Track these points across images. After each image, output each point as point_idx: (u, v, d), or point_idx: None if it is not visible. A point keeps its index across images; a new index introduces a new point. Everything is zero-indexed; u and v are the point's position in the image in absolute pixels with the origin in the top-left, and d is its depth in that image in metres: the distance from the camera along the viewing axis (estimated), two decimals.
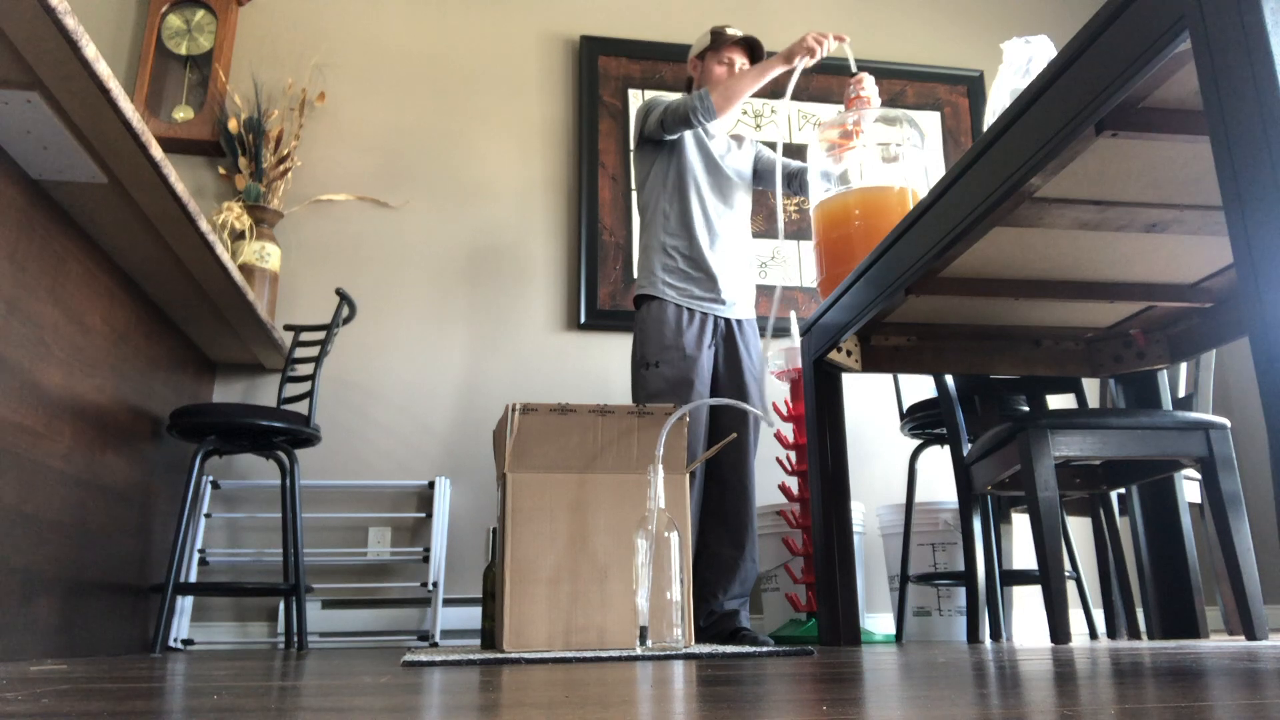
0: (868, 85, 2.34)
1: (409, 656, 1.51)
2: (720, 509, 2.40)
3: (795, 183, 2.71)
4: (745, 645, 1.97)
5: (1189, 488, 2.30)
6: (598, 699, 0.75)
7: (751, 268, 2.63)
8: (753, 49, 2.61)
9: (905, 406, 2.98)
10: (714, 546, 2.38)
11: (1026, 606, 3.22)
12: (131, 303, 2.37)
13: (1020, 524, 3.04)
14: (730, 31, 2.61)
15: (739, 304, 2.53)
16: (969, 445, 2.24)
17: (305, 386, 2.59)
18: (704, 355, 2.43)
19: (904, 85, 3.73)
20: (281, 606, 2.79)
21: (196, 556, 2.78)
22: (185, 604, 2.75)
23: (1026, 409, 2.48)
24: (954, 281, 1.83)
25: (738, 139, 2.72)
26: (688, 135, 2.56)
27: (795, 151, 3.54)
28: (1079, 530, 3.22)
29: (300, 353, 2.65)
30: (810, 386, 2.16)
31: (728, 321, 2.51)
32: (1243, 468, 3.27)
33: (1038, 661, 1.21)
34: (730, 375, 2.48)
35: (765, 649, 1.66)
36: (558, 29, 3.59)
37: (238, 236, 3.00)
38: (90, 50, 1.52)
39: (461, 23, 3.53)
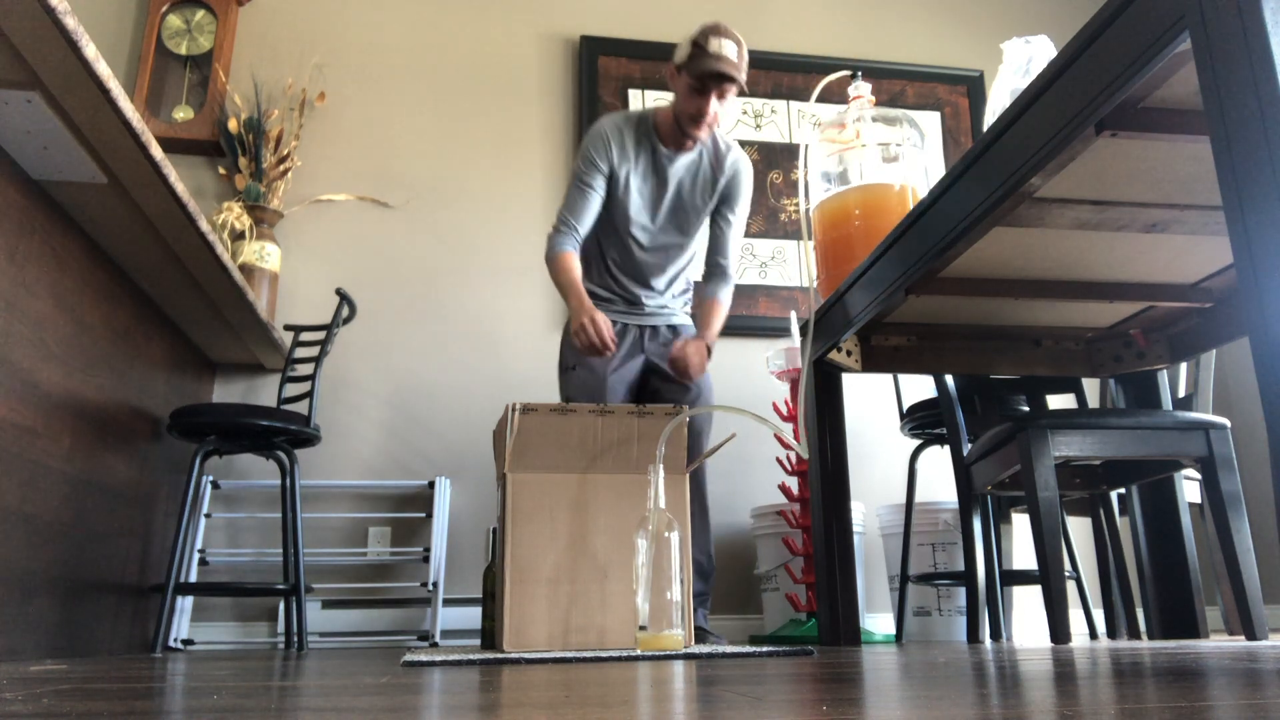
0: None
1: (409, 656, 1.51)
2: None
3: (706, 280, 2.47)
4: (706, 644, 1.96)
5: (1189, 488, 2.30)
6: (598, 699, 0.75)
7: (688, 290, 2.54)
8: (724, 79, 2.19)
9: (905, 406, 2.98)
10: None
11: (1026, 606, 3.22)
12: (131, 303, 2.37)
13: (1020, 524, 3.04)
14: (712, 52, 2.16)
15: (672, 314, 2.48)
16: (969, 445, 2.24)
17: (305, 386, 2.59)
18: (627, 362, 2.36)
19: (904, 85, 3.73)
20: (281, 606, 2.79)
21: (196, 556, 2.78)
22: (185, 604, 2.75)
23: (1026, 409, 2.48)
24: (954, 281, 1.83)
25: (708, 184, 2.40)
26: (633, 187, 2.35)
27: (790, 151, 3.54)
28: (1079, 530, 3.22)
29: (300, 353, 2.65)
30: (810, 386, 2.16)
31: (655, 328, 2.44)
32: (1243, 468, 3.27)
33: (1038, 661, 1.21)
34: (668, 379, 2.38)
35: (765, 649, 1.66)
36: (558, 29, 3.59)
37: (238, 236, 3.00)
38: (90, 50, 1.52)
39: (461, 23, 3.53)
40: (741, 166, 2.42)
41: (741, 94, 2.34)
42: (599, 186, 2.33)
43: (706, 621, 2.34)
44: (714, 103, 2.22)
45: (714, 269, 2.46)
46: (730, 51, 2.18)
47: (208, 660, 1.73)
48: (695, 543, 2.29)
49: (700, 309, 2.43)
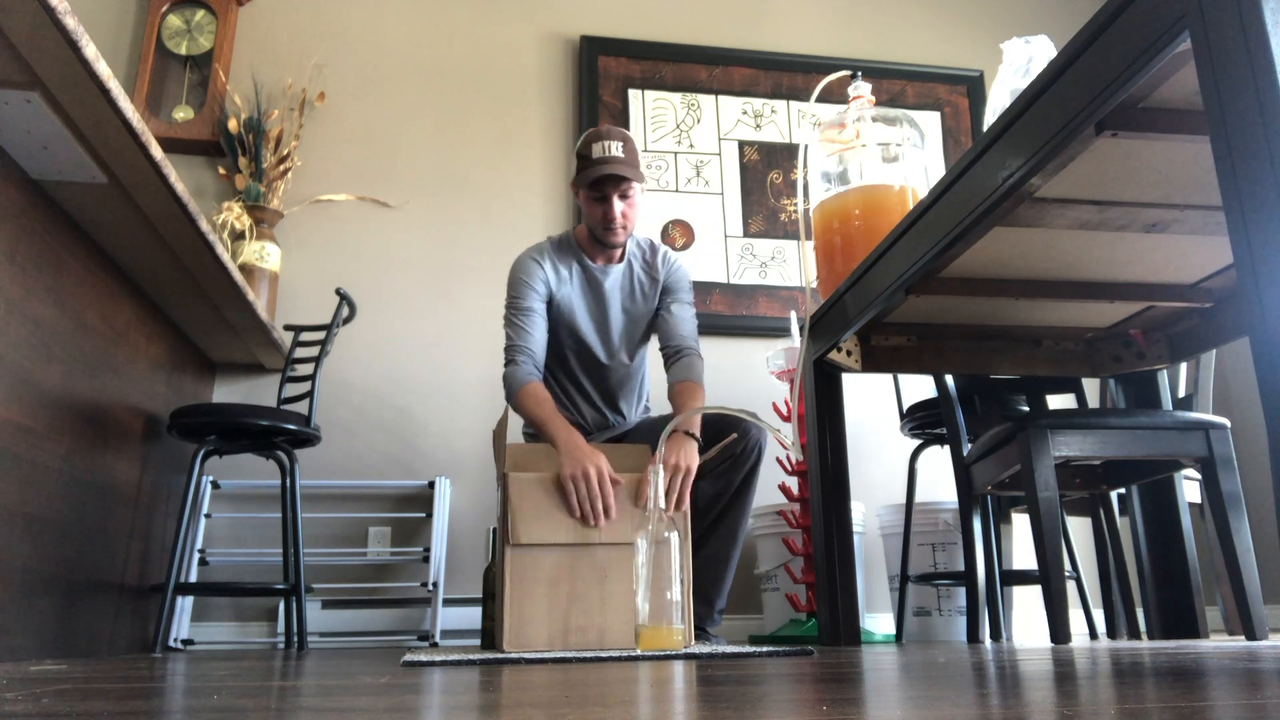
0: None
1: (409, 656, 1.51)
2: None
3: (674, 363, 2.30)
4: None
5: (1189, 488, 2.30)
6: (598, 699, 0.75)
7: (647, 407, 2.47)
8: (613, 180, 2.16)
9: (905, 406, 2.98)
10: None
11: (1026, 606, 3.21)
12: (131, 303, 2.37)
13: (1020, 524, 3.04)
14: (596, 157, 2.16)
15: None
16: (969, 445, 2.24)
17: (305, 386, 2.59)
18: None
19: (904, 85, 3.73)
20: (281, 606, 2.79)
21: (196, 556, 2.78)
22: (185, 604, 2.75)
23: (1026, 409, 2.48)
24: (954, 281, 1.83)
25: (647, 286, 2.34)
26: (575, 305, 2.28)
27: (790, 151, 3.54)
28: (1079, 530, 3.22)
29: (300, 353, 2.65)
30: (810, 386, 2.16)
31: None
32: (1243, 468, 3.27)
33: (1038, 661, 1.21)
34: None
35: (765, 649, 1.66)
36: (558, 29, 3.59)
37: (238, 236, 3.00)
38: (90, 50, 1.52)
39: (461, 23, 3.53)
40: (674, 260, 2.38)
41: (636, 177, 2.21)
42: (539, 307, 2.22)
43: (717, 638, 2.25)
44: (617, 204, 2.19)
45: (680, 351, 2.28)
46: (616, 150, 2.16)
47: (208, 660, 1.73)
48: (718, 589, 2.16)
49: (678, 396, 2.19)
